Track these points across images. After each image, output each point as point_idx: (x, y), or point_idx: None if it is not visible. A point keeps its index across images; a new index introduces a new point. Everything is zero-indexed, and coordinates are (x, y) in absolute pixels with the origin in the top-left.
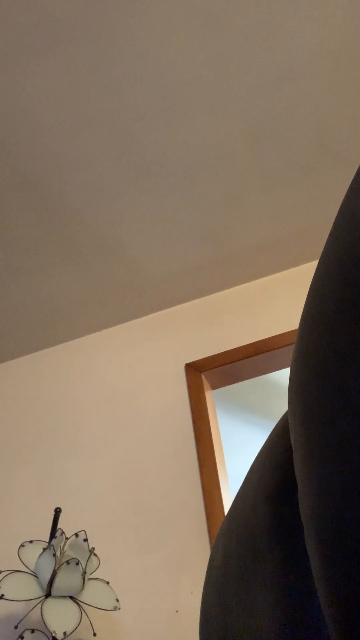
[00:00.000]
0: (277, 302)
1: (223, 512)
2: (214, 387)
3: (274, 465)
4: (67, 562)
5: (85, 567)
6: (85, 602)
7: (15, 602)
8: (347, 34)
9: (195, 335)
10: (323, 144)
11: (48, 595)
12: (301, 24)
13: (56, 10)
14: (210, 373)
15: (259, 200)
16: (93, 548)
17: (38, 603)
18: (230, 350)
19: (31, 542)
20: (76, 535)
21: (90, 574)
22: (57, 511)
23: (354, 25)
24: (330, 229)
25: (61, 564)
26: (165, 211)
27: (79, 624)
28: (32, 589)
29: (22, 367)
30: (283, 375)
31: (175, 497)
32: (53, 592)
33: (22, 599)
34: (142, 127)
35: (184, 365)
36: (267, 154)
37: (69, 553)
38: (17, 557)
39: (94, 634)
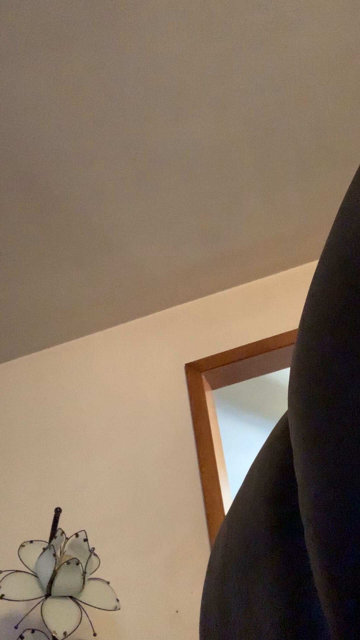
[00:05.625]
0: (277, 302)
1: (223, 512)
2: (214, 387)
3: (274, 465)
4: (67, 562)
5: (85, 567)
6: (85, 602)
7: (15, 602)
8: (348, 35)
9: (195, 335)
10: (323, 144)
11: (48, 595)
12: (302, 24)
13: (57, 11)
14: (210, 373)
15: (259, 200)
16: (93, 548)
17: (38, 603)
18: (230, 350)
19: (31, 542)
20: (76, 535)
21: (90, 574)
22: (57, 511)
23: (354, 26)
24: (330, 229)
25: (61, 564)
26: (165, 211)
27: (79, 624)
28: (32, 589)
29: (22, 367)
30: (283, 375)
31: (175, 497)
32: (53, 592)
33: (22, 599)
34: (143, 127)
35: (184, 365)
36: (267, 154)
37: (69, 553)
38: (17, 557)
39: (94, 634)
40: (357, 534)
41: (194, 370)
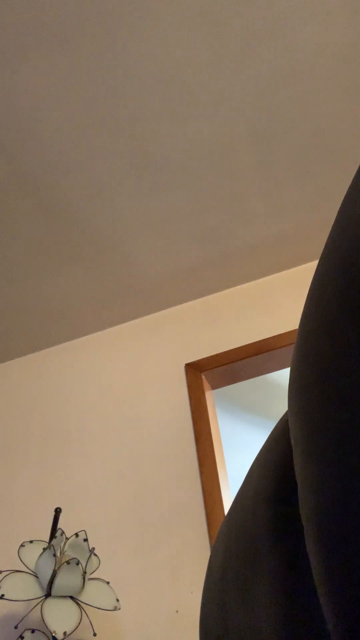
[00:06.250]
0: (277, 302)
1: (223, 512)
2: (214, 387)
3: (274, 465)
4: (67, 562)
5: (85, 567)
6: (85, 602)
7: (15, 602)
8: (348, 34)
9: (195, 335)
10: (323, 144)
11: (48, 595)
12: (302, 23)
13: (58, 11)
14: (210, 373)
15: (259, 200)
16: (93, 548)
17: (38, 603)
18: (230, 350)
19: (31, 542)
20: (76, 535)
21: (90, 574)
22: (57, 511)
23: (354, 25)
24: (330, 228)
25: (61, 564)
26: (165, 211)
27: (79, 624)
28: (32, 589)
29: (22, 367)
30: (283, 375)
31: (175, 497)
32: (53, 592)
33: (22, 599)
34: (143, 127)
35: (184, 365)
36: (267, 154)
37: (69, 553)
38: (17, 557)
39: (94, 634)
40: (357, 533)
41: (194, 370)
